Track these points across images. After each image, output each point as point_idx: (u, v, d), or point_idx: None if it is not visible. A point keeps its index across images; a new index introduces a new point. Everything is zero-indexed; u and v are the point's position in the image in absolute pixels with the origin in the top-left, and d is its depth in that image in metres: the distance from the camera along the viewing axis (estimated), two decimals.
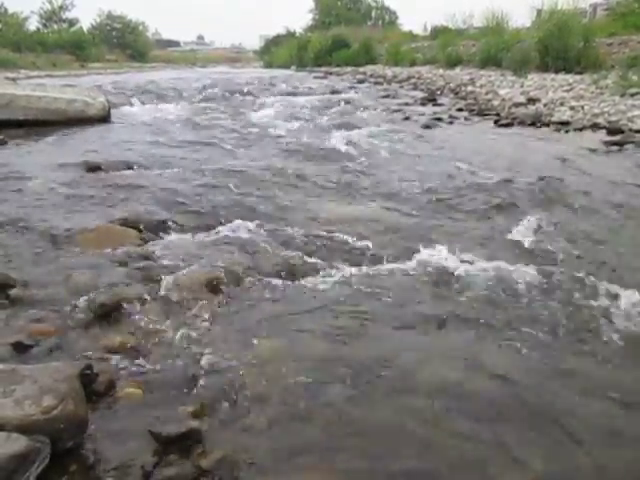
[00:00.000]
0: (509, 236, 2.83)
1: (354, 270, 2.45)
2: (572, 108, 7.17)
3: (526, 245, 2.69)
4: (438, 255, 2.52)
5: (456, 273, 2.36)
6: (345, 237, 2.82)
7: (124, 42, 50.67)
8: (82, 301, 2.03)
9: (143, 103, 9.31)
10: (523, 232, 2.86)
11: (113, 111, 7.88)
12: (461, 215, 3.22)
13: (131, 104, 9.27)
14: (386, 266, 2.50)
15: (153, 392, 1.59)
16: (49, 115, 6.99)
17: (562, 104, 7.43)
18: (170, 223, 2.95)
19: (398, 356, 1.84)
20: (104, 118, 7.38)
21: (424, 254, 2.54)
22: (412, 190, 3.74)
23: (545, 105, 7.52)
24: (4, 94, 6.85)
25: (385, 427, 1.50)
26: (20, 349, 1.72)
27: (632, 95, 7.26)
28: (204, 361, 1.75)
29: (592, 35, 11.54)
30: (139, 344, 1.83)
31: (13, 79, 19.20)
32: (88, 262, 2.38)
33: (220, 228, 2.90)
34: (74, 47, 37.97)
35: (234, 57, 79.82)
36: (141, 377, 1.66)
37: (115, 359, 1.73)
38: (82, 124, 7.02)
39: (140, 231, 2.82)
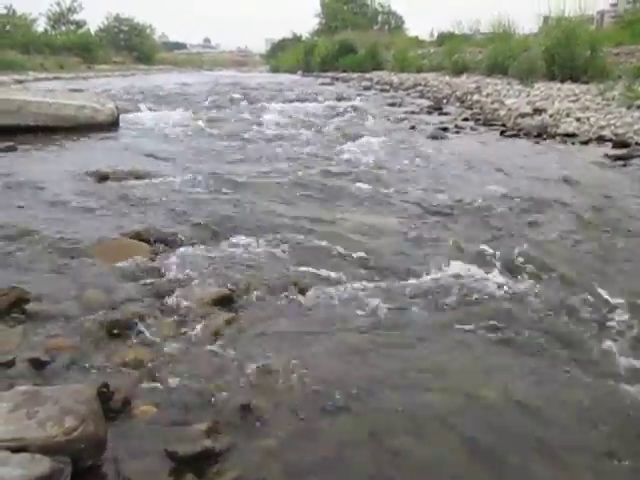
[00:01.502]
0: (512, 253, 2.86)
1: (365, 284, 2.49)
2: (578, 119, 7.19)
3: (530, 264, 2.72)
4: (448, 271, 2.56)
5: (467, 289, 2.39)
6: (355, 249, 2.86)
7: (131, 45, 50.95)
8: (96, 317, 2.07)
9: (151, 109, 9.38)
10: (526, 250, 2.89)
11: (122, 116, 7.95)
12: (466, 229, 3.26)
13: (139, 110, 9.35)
14: (396, 281, 2.53)
15: (167, 409, 1.63)
16: (59, 121, 7.07)
17: (568, 115, 7.45)
18: (180, 236, 2.99)
19: (409, 374, 1.88)
20: (113, 124, 7.46)
21: (433, 269, 2.57)
22: (416, 203, 3.78)
23: (551, 116, 7.54)
24: (14, 100, 6.94)
25: (397, 447, 1.54)
26: (38, 365, 1.77)
27: (639, 107, 7.28)
28: (215, 378, 1.80)
29: (599, 44, 11.55)
30: (152, 360, 1.88)
31: (21, 82, 19.42)
32: (101, 276, 2.43)
33: (229, 240, 2.95)
34: (82, 49, 38.23)
35: (240, 60, 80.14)
36: (155, 394, 1.70)
37: (129, 375, 1.78)
38: (91, 130, 7.10)
39: (151, 244, 2.87)
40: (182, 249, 2.84)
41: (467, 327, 2.14)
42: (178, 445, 1.44)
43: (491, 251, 2.81)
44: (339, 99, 10.37)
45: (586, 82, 10.95)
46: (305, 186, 4.11)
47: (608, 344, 1.99)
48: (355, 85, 13.53)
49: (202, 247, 2.86)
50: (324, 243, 2.96)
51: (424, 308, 2.31)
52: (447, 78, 13.89)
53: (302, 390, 1.78)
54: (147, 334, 2.02)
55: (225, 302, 2.29)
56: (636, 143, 5.71)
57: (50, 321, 2.05)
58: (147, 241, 2.90)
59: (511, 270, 2.64)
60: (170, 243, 2.91)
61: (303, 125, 7.15)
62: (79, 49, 37.97)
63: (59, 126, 7.04)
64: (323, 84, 13.92)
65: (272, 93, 11.10)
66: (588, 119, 7.17)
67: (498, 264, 2.68)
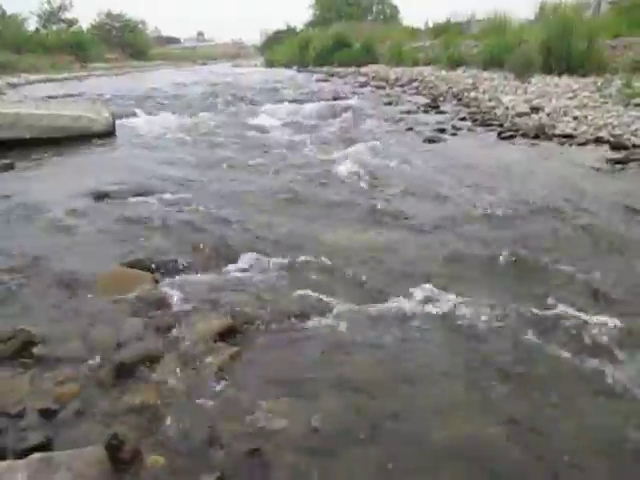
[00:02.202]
0: (507, 272, 2.89)
1: (363, 310, 2.51)
2: (575, 118, 7.19)
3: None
4: (446, 297, 2.58)
5: (467, 319, 2.41)
6: (356, 271, 2.88)
7: (124, 41, 50.60)
8: (102, 358, 2.10)
9: (147, 114, 9.34)
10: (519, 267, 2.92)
11: (118, 123, 7.94)
12: (459, 246, 3.27)
13: (135, 115, 9.32)
14: (396, 305, 2.55)
15: (176, 459, 1.66)
16: (54, 132, 7.06)
17: (565, 114, 7.45)
18: (180, 261, 3.01)
19: (411, 410, 1.91)
20: (109, 133, 7.45)
21: (434, 293, 2.59)
22: (416, 217, 3.79)
23: (548, 115, 7.54)
24: (8, 113, 6.93)
25: None
26: (48, 415, 1.80)
27: (636, 105, 7.28)
28: (221, 422, 1.83)
29: (596, 36, 11.51)
30: (158, 404, 1.90)
31: (14, 85, 19.32)
32: (105, 312, 2.45)
33: (229, 264, 2.96)
34: (74, 47, 37.97)
35: (234, 53, 79.66)
36: (163, 442, 1.73)
37: (137, 422, 1.80)
38: (87, 140, 7.10)
39: (152, 272, 2.89)
40: (183, 276, 2.86)
41: (474, 361, 2.17)
42: None
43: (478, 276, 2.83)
44: (335, 98, 10.35)
45: (583, 75, 10.95)
46: (302, 202, 4.12)
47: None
48: (351, 82, 13.47)
49: (202, 273, 2.89)
50: (322, 265, 2.98)
51: (425, 335, 2.34)
52: (443, 72, 13.84)
53: (306, 432, 1.81)
54: (153, 375, 2.05)
55: (228, 334, 2.32)
56: (633, 145, 5.72)
57: (57, 365, 2.07)
58: (148, 268, 2.91)
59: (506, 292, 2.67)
60: (171, 269, 2.93)
61: (300, 130, 7.14)
62: (72, 47, 37.71)
63: (55, 137, 7.04)
64: (319, 80, 13.86)
65: (269, 93, 11.07)
66: (586, 117, 7.17)
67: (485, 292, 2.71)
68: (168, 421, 1.82)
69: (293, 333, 2.35)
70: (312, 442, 1.77)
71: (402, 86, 11.59)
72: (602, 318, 2.34)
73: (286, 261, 3.02)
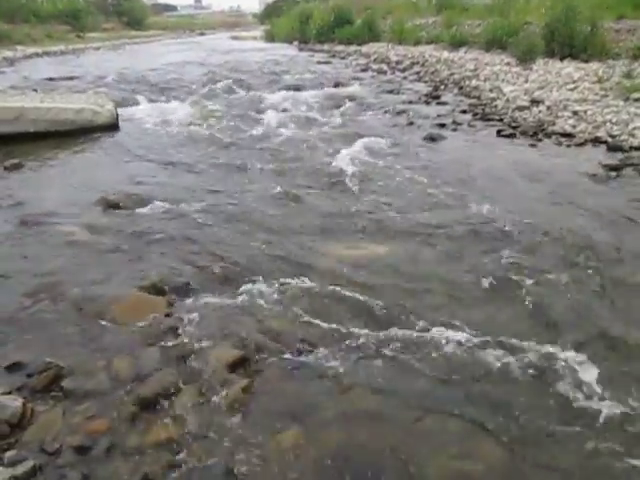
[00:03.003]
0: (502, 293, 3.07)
1: (372, 337, 2.68)
2: (575, 113, 7.26)
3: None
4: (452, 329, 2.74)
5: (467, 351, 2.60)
6: (359, 295, 3.05)
7: (120, 10, 49.51)
8: (125, 392, 2.30)
9: (149, 101, 9.37)
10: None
11: (120, 111, 8.00)
12: (452, 259, 3.44)
13: (137, 102, 9.35)
14: (404, 331, 2.72)
15: None
16: (58, 126, 7.15)
17: (565, 108, 7.52)
18: (192, 284, 3.18)
19: (411, 444, 2.11)
20: (113, 126, 7.53)
21: (431, 314, 2.77)
22: (416, 227, 3.95)
23: (548, 108, 7.60)
24: (13, 107, 7.00)
25: None
26: (82, 452, 2.00)
27: (635, 100, 7.35)
28: (237, 457, 2.03)
29: (599, 19, 11.43)
30: (181, 438, 2.11)
31: (12, 61, 19.10)
32: (124, 342, 2.64)
33: (237, 289, 3.13)
34: (70, 17, 37.23)
35: (233, 22, 78.02)
36: (187, 477, 1.93)
37: (163, 458, 2.01)
38: (91, 133, 7.19)
39: (166, 294, 3.07)
40: (194, 299, 3.04)
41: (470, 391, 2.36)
42: None
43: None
44: (337, 85, 10.34)
45: (586, 60, 10.94)
46: (307, 212, 4.27)
47: None
48: (352, 64, 13.39)
49: (212, 296, 3.05)
50: (325, 287, 3.15)
51: (427, 363, 2.53)
52: (445, 53, 13.75)
53: (316, 463, 2.02)
54: (173, 409, 2.24)
55: (240, 365, 2.51)
56: (630, 147, 5.82)
57: (85, 399, 2.27)
58: (162, 291, 3.09)
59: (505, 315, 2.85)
60: (184, 293, 3.11)
61: (302, 124, 7.22)
62: (67, 17, 36.97)
63: (59, 131, 7.13)
64: (320, 62, 13.78)
65: (270, 78, 11.05)
66: (585, 113, 7.24)
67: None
68: (190, 456, 2.02)
69: (299, 364, 2.54)
70: (317, 475, 1.97)
71: (403, 71, 11.55)
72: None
73: (291, 283, 3.19)
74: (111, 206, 4.39)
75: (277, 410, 2.27)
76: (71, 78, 12.27)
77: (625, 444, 2.04)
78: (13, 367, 2.43)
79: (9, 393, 2.26)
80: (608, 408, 2.20)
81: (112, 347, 2.60)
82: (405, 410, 2.30)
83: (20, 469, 1.90)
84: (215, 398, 2.30)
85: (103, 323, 2.79)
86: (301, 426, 2.19)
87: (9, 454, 1.96)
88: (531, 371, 2.44)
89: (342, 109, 8.28)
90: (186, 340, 2.66)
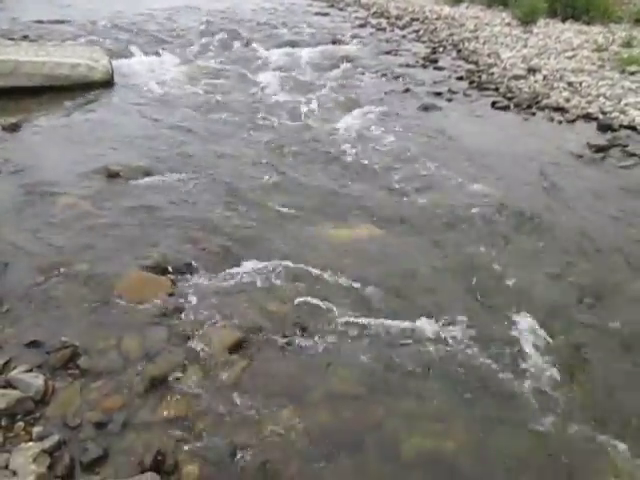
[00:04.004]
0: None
1: (361, 320, 2.93)
2: (570, 85, 7.31)
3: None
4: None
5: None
6: (353, 276, 3.29)
7: None
8: (136, 371, 2.54)
9: (144, 53, 9.20)
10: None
11: (115, 64, 7.91)
12: (440, 243, 3.67)
13: (132, 54, 9.18)
14: (392, 317, 2.96)
15: (206, 468, 2.15)
16: (53, 81, 7.09)
17: (561, 78, 7.55)
18: (194, 263, 3.38)
19: (391, 423, 2.39)
20: (108, 82, 7.47)
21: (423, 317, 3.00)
22: (405, 208, 4.15)
23: (544, 78, 7.63)
24: (8, 60, 6.91)
25: None
26: (101, 427, 2.26)
27: (631, 74, 7.40)
28: (238, 433, 2.30)
29: None
30: (188, 414, 2.37)
31: None
32: (132, 321, 2.86)
33: (236, 269, 3.33)
34: None
35: None
36: (195, 453, 2.20)
37: (173, 433, 2.27)
38: (86, 90, 7.14)
39: (169, 273, 3.27)
40: (197, 280, 3.24)
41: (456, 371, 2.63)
42: None
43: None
44: (334, 42, 10.18)
45: (588, 23, 10.83)
46: (301, 189, 4.43)
47: None
48: (350, 18, 13.08)
49: (213, 277, 3.26)
50: (319, 267, 3.37)
51: (410, 348, 2.79)
52: (446, 8, 13.46)
53: (307, 441, 2.29)
54: (180, 387, 2.49)
55: (239, 346, 2.76)
56: (620, 125, 5.95)
57: (100, 377, 2.51)
58: (165, 270, 3.29)
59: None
60: (186, 271, 3.31)
61: (297, 88, 7.21)
62: None
63: (54, 85, 7.08)
64: (318, 14, 13.43)
65: (265, 31, 10.82)
66: (580, 85, 7.29)
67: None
68: (197, 432, 2.29)
69: (293, 346, 2.79)
70: (307, 451, 2.25)
71: (403, 28, 11.34)
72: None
73: (286, 264, 3.39)
74: (112, 175, 4.50)
75: (273, 390, 2.53)
76: (62, 22, 11.89)
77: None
78: (32, 345, 2.65)
79: (31, 370, 2.49)
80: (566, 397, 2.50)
81: (121, 326, 2.82)
82: (387, 391, 2.57)
83: (47, 443, 2.15)
84: (218, 378, 2.55)
85: (111, 301, 3.00)
86: (295, 405, 2.45)
87: (36, 429, 2.21)
88: (504, 361, 2.71)
89: (338, 71, 8.23)
90: (189, 321, 2.89)
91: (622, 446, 2.25)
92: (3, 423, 2.28)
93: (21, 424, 2.28)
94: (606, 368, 2.68)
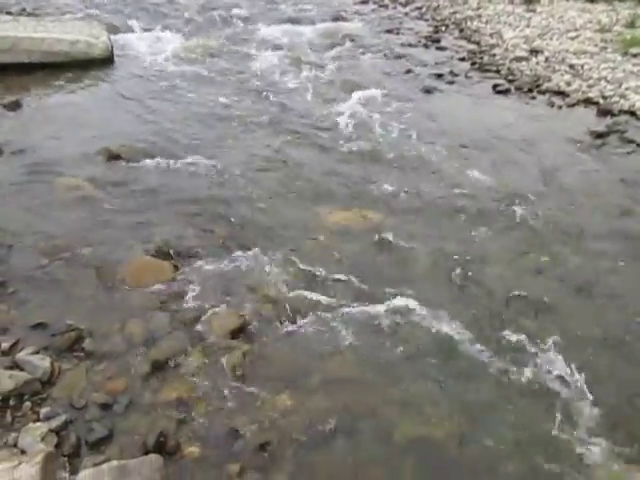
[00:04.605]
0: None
1: (358, 307, 3.01)
2: (572, 67, 7.28)
3: None
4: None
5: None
6: (352, 263, 3.38)
7: None
8: (139, 354, 2.63)
9: (142, 29, 9.09)
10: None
11: (114, 38, 7.84)
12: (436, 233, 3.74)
13: (131, 29, 9.07)
14: (388, 304, 3.03)
15: (206, 449, 2.25)
16: (53, 57, 7.03)
17: (563, 60, 7.52)
18: (196, 248, 3.44)
19: (384, 409, 2.49)
20: (108, 59, 7.40)
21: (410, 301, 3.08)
22: (404, 195, 4.20)
23: (546, 60, 7.59)
24: (7, 37, 6.85)
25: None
26: (106, 408, 2.35)
27: (634, 56, 7.37)
28: (238, 416, 2.40)
29: None
30: (189, 397, 2.47)
31: None
32: (135, 305, 2.94)
33: (237, 254, 3.40)
34: None
35: None
36: (196, 434, 2.30)
37: (175, 415, 2.37)
38: (86, 67, 7.08)
39: (171, 258, 3.34)
40: (199, 265, 3.31)
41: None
42: None
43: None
44: (335, 19, 10.05)
45: (591, 0, 10.69)
46: (302, 174, 4.46)
47: None
48: None
49: (215, 262, 3.32)
50: (318, 253, 3.45)
51: (404, 335, 2.87)
52: None
53: (304, 425, 2.39)
54: (182, 370, 2.58)
55: (240, 332, 2.84)
56: (620, 110, 5.96)
57: (104, 359, 2.60)
58: (168, 254, 3.35)
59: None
60: (188, 256, 3.37)
61: (298, 68, 7.17)
62: None
63: (54, 62, 7.04)
64: None
65: (266, 7, 10.66)
66: (582, 67, 7.27)
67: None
68: (198, 415, 2.39)
69: (291, 332, 2.87)
70: (304, 433, 2.35)
71: (405, 5, 11.16)
72: None
73: (285, 250, 3.46)
74: (113, 157, 4.52)
75: (272, 375, 2.63)
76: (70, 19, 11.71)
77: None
78: (38, 327, 2.73)
79: (37, 352, 2.58)
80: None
81: (124, 310, 2.90)
82: (380, 378, 2.66)
83: (54, 423, 2.25)
84: (219, 362, 2.64)
85: (114, 285, 3.08)
86: (293, 390, 2.55)
87: (44, 410, 2.30)
88: (500, 353, 2.80)
89: (340, 50, 8.15)
90: (192, 306, 2.97)
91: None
92: (11, 403, 2.37)
93: (29, 404, 2.37)
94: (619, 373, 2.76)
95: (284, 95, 6.18)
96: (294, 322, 2.92)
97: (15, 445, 2.20)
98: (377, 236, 3.70)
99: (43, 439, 2.20)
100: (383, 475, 2.21)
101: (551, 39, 8.49)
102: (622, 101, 6.19)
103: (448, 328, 2.89)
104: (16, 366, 2.51)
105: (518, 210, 3.99)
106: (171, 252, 3.37)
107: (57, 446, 2.19)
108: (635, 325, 2.99)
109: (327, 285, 3.19)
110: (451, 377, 2.64)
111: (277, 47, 8.21)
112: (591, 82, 6.79)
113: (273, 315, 2.96)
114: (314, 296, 3.09)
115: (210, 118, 5.51)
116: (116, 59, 7.49)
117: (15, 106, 5.62)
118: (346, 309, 3.02)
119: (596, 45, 8.08)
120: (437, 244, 3.64)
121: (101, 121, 5.31)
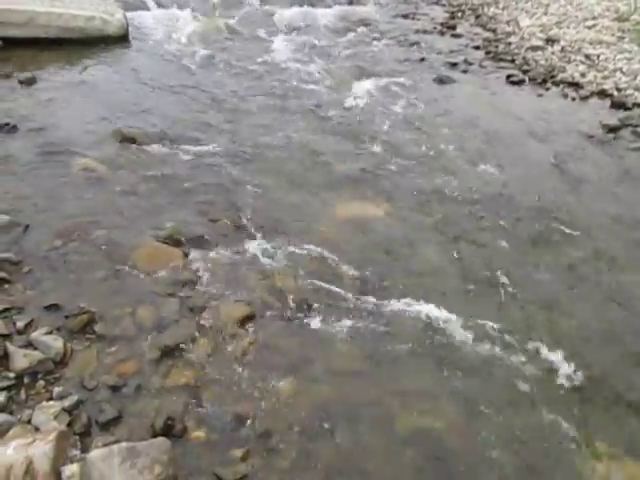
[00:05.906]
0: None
1: (363, 299, 3.08)
2: (588, 57, 7.20)
3: None
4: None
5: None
6: (359, 256, 3.42)
7: None
8: (149, 339, 2.71)
9: (158, 6, 9.04)
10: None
11: (129, 15, 7.80)
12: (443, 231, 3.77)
13: (146, 7, 9.02)
14: (391, 297, 3.11)
15: (212, 434, 2.33)
16: (69, 33, 7.04)
17: (579, 50, 7.43)
18: (205, 235, 3.50)
19: (386, 400, 2.56)
20: (123, 37, 7.39)
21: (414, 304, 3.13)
22: (413, 188, 4.23)
23: (562, 50, 7.50)
24: (25, 11, 6.86)
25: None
26: (116, 390, 2.44)
27: None
28: (244, 403, 2.48)
29: None
30: (197, 383, 2.55)
31: None
32: (146, 291, 3.00)
33: (246, 244, 3.46)
34: None
35: None
36: (202, 419, 2.39)
37: (182, 400, 2.45)
38: (101, 44, 7.08)
39: (182, 245, 3.40)
40: (208, 253, 3.37)
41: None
42: (223, 469, 2.17)
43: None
44: (351, 2, 9.94)
45: None
46: (313, 163, 4.49)
47: None
48: None
49: (224, 251, 3.38)
50: (326, 244, 3.50)
51: (406, 328, 2.94)
52: None
53: (307, 413, 2.47)
54: (190, 356, 2.66)
55: (248, 320, 2.91)
56: (634, 103, 5.91)
57: (115, 343, 2.67)
58: (178, 241, 3.41)
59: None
60: (198, 244, 3.43)
61: (312, 53, 7.13)
62: None
63: (69, 38, 7.05)
64: None
65: None
66: (598, 57, 7.19)
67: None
68: (205, 400, 2.47)
69: (297, 322, 2.94)
70: (308, 422, 2.43)
71: None
72: None
73: (294, 240, 3.51)
74: (127, 140, 4.56)
75: (278, 363, 2.70)
76: None
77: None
78: (51, 308, 2.81)
79: (51, 333, 2.66)
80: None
81: (135, 295, 2.97)
82: (384, 370, 2.73)
83: (66, 402, 2.33)
84: (226, 350, 2.72)
85: (126, 270, 3.14)
86: (297, 379, 2.62)
87: (57, 389, 2.39)
88: (503, 348, 2.86)
89: (354, 35, 8.09)
90: (201, 293, 3.03)
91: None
92: (26, 381, 2.46)
93: (42, 383, 2.46)
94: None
95: (298, 81, 6.16)
96: (301, 312, 2.98)
97: (29, 422, 2.29)
98: (387, 227, 3.75)
99: (56, 417, 2.28)
100: (383, 463, 2.29)
101: (568, 27, 8.37)
102: (636, 94, 6.13)
103: (454, 323, 2.95)
104: (30, 345, 2.60)
105: (526, 203, 4.01)
106: (182, 239, 3.42)
107: (69, 425, 2.27)
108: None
109: (336, 276, 3.25)
110: (453, 371, 2.70)
111: (291, 29, 8.17)
112: (606, 73, 6.72)
113: (280, 305, 3.02)
114: (320, 287, 3.15)
115: (223, 103, 5.52)
116: (131, 38, 7.48)
117: (30, 82, 5.65)
118: (351, 301, 3.07)
119: (613, 34, 7.95)
120: (446, 236, 3.68)
121: (115, 101, 5.33)
